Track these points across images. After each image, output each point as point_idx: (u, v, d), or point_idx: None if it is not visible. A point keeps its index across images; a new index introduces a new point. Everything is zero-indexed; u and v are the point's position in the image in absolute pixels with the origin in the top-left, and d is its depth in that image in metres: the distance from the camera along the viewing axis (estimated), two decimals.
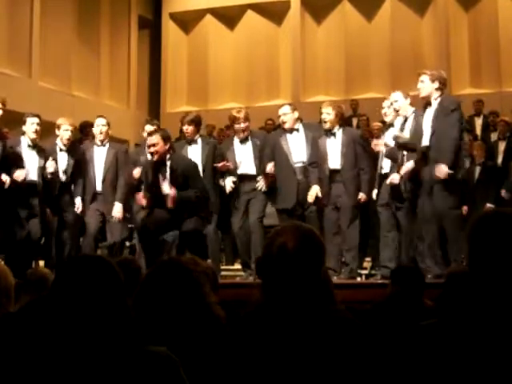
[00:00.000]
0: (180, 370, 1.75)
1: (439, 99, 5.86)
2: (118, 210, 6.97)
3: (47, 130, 7.40)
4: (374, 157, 6.76)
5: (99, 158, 7.09)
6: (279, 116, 6.91)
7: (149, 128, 7.08)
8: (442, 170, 5.63)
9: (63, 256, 6.88)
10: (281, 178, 6.74)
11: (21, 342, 2.06)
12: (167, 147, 5.94)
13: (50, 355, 1.70)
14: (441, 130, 5.77)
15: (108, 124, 7.17)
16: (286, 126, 6.74)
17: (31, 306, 3.16)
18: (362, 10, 12.99)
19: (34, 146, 6.86)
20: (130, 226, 7.98)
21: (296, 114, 6.76)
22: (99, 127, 7.11)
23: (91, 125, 8.53)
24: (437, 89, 5.87)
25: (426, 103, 5.99)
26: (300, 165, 6.71)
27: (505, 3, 12.06)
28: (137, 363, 1.70)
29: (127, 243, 8.20)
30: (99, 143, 7.12)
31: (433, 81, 5.87)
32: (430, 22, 12.75)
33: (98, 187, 7.05)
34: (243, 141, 6.87)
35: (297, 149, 6.73)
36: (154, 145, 5.91)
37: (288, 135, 6.76)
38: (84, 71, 12.22)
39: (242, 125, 6.82)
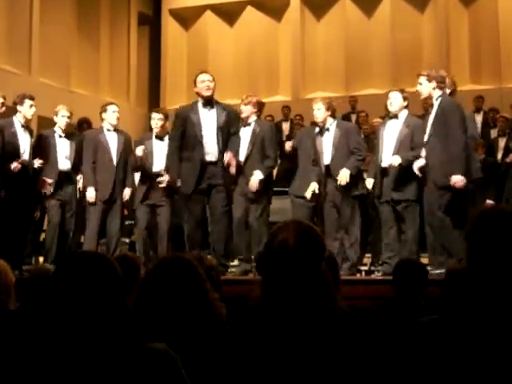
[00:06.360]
0: (179, 367, 1.75)
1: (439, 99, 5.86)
2: (129, 194, 7.05)
3: (47, 126, 7.40)
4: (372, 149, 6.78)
5: (113, 143, 7.04)
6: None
7: (156, 116, 7.06)
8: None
9: (65, 249, 6.91)
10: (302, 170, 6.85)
11: (20, 339, 2.06)
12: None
13: (49, 352, 1.70)
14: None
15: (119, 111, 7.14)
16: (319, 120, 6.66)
17: (30, 303, 3.16)
18: (361, 5, 12.97)
19: (27, 127, 6.88)
20: (128, 222, 7.99)
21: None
22: (115, 113, 7.05)
23: (89, 121, 8.54)
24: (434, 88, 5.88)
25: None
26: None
27: None
28: (136, 360, 1.70)
29: (126, 240, 8.21)
30: (110, 129, 7.05)
31: (430, 81, 5.87)
32: (430, 17, 12.73)
33: (115, 174, 7.01)
34: (245, 126, 6.77)
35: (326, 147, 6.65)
36: None
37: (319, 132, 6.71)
38: (84, 67, 12.21)
39: (242, 107, 6.77)
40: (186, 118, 6.26)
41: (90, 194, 6.85)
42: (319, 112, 6.56)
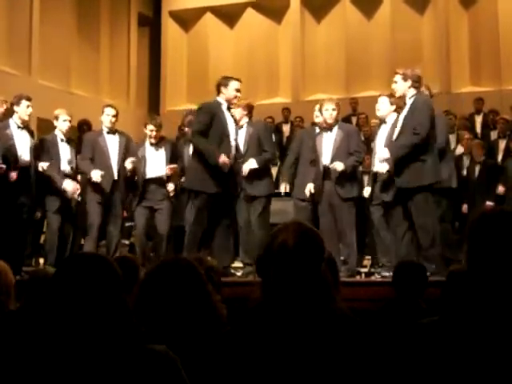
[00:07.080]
0: (179, 368, 1.75)
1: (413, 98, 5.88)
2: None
3: (47, 127, 7.40)
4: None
5: (113, 146, 7.03)
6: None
7: (153, 128, 7.08)
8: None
9: (65, 251, 6.90)
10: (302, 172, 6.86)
11: (20, 339, 2.06)
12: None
13: (50, 353, 1.70)
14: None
15: (116, 114, 7.13)
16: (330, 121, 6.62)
17: (30, 304, 3.16)
18: (361, 7, 12.98)
19: (24, 127, 6.86)
20: (128, 224, 8.00)
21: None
22: (109, 116, 7.05)
23: (89, 123, 8.54)
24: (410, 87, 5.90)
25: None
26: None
27: (505, 0, 12.06)
28: (136, 361, 1.70)
29: (126, 241, 8.22)
30: (109, 131, 7.05)
31: (405, 80, 5.89)
32: (430, 19, 12.73)
33: (115, 176, 6.99)
34: (239, 129, 6.74)
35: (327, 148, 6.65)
36: None
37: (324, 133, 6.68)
38: (84, 69, 12.22)
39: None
40: (213, 114, 6.21)
41: (96, 175, 6.79)
42: (334, 112, 6.56)
